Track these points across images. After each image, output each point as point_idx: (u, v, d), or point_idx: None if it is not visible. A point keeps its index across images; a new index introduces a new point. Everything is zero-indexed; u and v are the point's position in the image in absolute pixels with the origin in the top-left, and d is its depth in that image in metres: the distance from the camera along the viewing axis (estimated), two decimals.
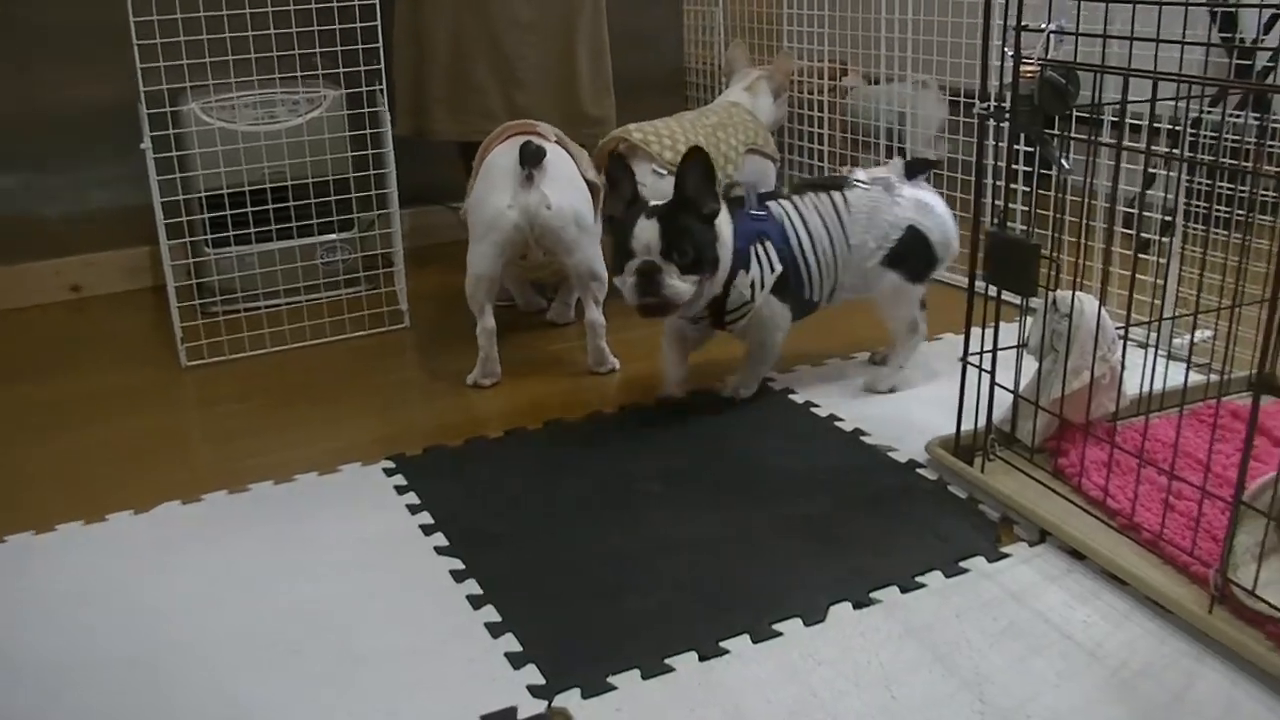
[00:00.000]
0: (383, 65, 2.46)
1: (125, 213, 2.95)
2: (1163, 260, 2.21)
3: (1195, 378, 1.96)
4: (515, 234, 2.20)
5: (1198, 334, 2.17)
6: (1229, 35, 2.58)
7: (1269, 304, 1.40)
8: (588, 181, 2.31)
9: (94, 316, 2.86)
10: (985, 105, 1.66)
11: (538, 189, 2.18)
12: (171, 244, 2.40)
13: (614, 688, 1.38)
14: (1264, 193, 2.05)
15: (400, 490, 1.87)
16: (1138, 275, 2.00)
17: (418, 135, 2.82)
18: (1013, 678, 1.38)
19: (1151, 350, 1.66)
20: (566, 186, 2.23)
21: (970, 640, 1.45)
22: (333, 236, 2.73)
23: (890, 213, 2.10)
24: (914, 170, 2.16)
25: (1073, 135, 1.71)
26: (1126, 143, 1.69)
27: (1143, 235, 2.18)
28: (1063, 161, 1.66)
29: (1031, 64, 1.59)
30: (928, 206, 2.13)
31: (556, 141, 2.30)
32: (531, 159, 2.17)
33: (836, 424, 2.07)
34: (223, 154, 2.48)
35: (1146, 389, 1.82)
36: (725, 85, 3.03)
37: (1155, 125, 1.63)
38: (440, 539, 1.71)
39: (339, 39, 2.49)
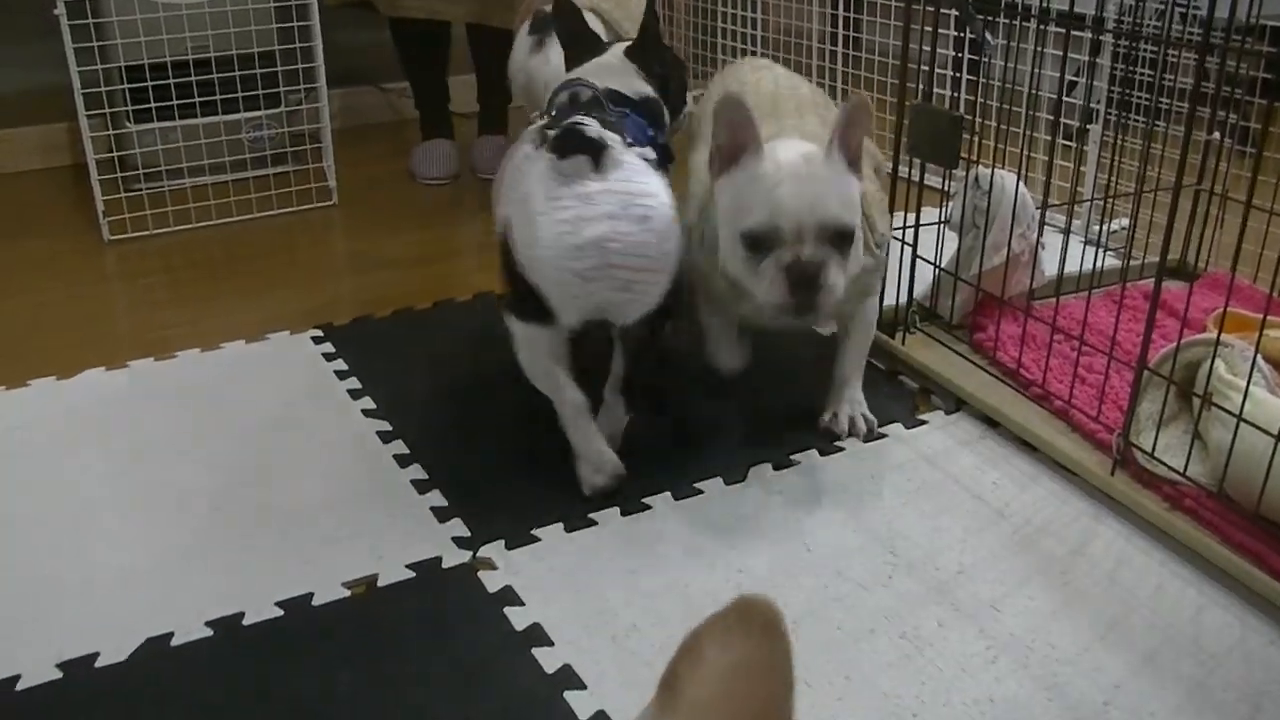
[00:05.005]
0: None
1: (43, 89, 2.86)
2: (1084, 148, 2.26)
3: (1112, 262, 2.02)
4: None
5: (1115, 222, 2.23)
6: None
7: (1173, 192, 1.44)
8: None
9: (9, 193, 2.78)
10: None
11: (543, 53, 2.20)
12: (91, 116, 2.34)
13: (538, 539, 1.41)
14: (1181, 80, 2.09)
15: (328, 357, 1.87)
16: (1064, 163, 2.04)
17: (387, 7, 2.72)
18: (922, 533, 1.43)
19: (1069, 235, 1.71)
20: None
21: (884, 499, 1.51)
22: (259, 113, 2.67)
23: None
24: None
25: (1000, 13, 1.73)
26: (1052, 27, 1.71)
27: (1066, 123, 2.22)
28: (988, 37, 1.68)
29: None
30: None
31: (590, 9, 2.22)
32: (539, 28, 2.20)
33: None
34: (142, 24, 2.41)
35: (1064, 270, 1.87)
36: None
37: (1079, 11, 1.65)
38: (368, 402, 1.73)
39: None
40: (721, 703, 0.58)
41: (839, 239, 1.36)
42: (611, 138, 1.40)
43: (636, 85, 1.70)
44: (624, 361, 1.52)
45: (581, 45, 1.80)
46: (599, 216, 1.34)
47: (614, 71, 1.72)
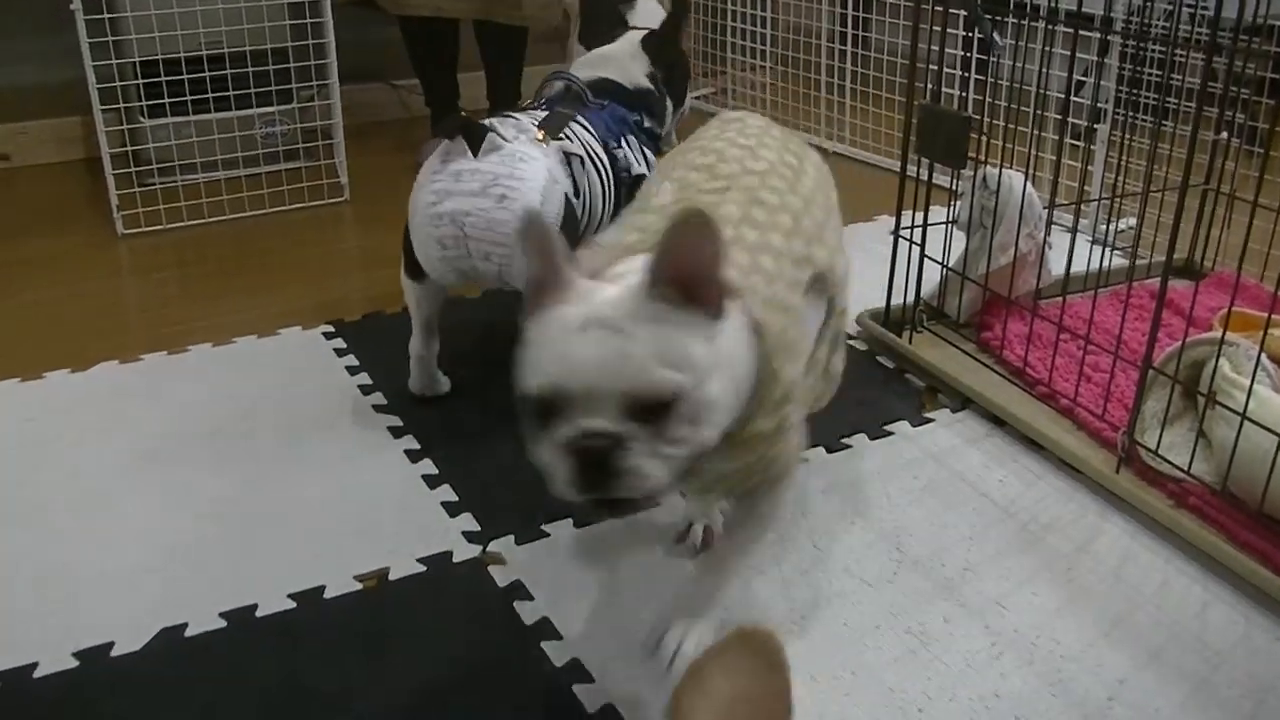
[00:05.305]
0: None
1: (58, 83, 2.88)
2: (1092, 147, 2.27)
3: (1119, 261, 2.03)
4: None
5: (1121, 222, 2.24)
6: None
7: (1180, 191, 1.45)
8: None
9: (24, 186, 2.81)
10: None
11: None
12: (106, 110, 2.36)
13: (547, 534, 1.43)
14: (1189, 80, 2.10)
15: (339, 353, 1.88)
16: (1072, 162, 2.04)
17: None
18: (928, 530, 1.44)
19: (1076, 234, 1.71)
20: None
21: (891, 497, 1.52)
22: (271, 109, 2.69)
23: None
24: None
25: (1008, 13, 1.73)
26: (1060, 27, 1.72)
27: (1074, 122, 2.23)
28: (995, 37, 1.68)
29: None
30: None
31: None
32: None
33: None
34: (157, 19, 2.43)
35: (1070, 270, 1.87)
36: None
37: (1087, 11, 1.65)
38: (379, 398, 1.74)
39: None
40: None
41: (653, 410, 0.94)
42: (515, 127, 1.57)
43: (636, 77, 1.83)
44: None
45: (602, 24, 1.90)
46: (462, 193, 1.51)
47: (618, 61, 1.85)
